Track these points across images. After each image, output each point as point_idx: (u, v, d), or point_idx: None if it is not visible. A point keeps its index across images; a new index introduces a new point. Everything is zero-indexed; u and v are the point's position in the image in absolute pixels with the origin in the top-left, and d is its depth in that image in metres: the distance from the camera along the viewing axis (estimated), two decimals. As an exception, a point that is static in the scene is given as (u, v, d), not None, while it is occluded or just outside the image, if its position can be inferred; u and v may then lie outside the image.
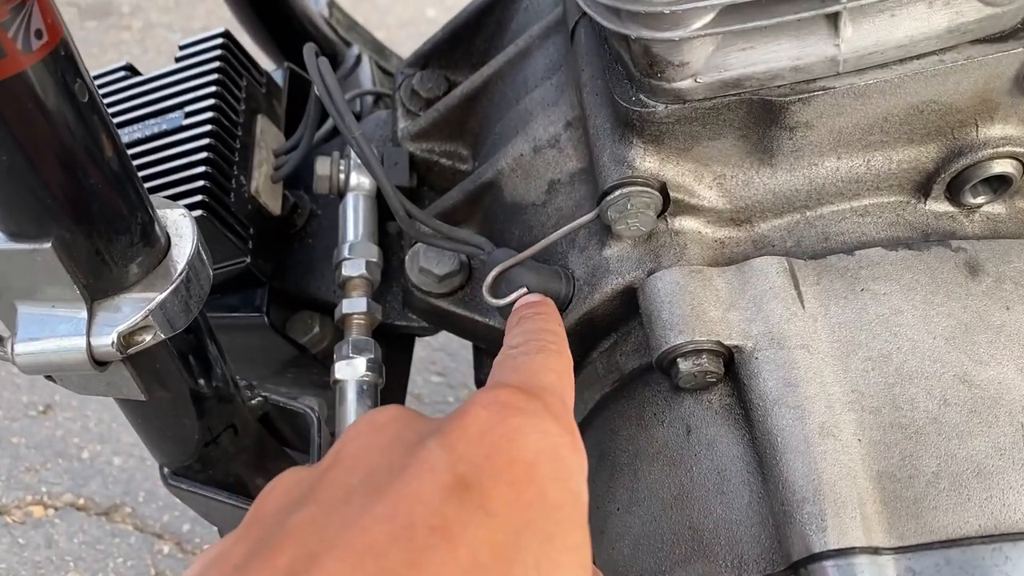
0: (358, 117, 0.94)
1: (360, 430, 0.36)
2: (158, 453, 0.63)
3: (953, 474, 0.51)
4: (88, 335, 0.49)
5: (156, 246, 0.51)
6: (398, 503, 0.31)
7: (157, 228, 0.52)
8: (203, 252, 0.53)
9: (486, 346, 0.80)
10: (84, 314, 0.49)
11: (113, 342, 0.49)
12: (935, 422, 0.52)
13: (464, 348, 1.72)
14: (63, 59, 0.41)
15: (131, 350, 0.50)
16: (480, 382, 0.82)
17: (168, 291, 0.50)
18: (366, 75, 1.02)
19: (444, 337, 1.79)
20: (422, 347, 1.73)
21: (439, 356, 1.72)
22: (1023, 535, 0.49)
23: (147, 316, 0.49)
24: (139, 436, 0.61)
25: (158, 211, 0.53)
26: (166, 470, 0.64)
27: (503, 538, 0.31)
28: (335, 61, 1.03)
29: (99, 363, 0.50)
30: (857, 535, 0.49)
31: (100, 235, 0.47)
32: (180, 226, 0.53)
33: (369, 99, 0.99)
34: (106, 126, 0.46)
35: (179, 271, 0.51)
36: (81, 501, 1.38)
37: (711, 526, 0.56)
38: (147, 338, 0.50)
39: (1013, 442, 0.51)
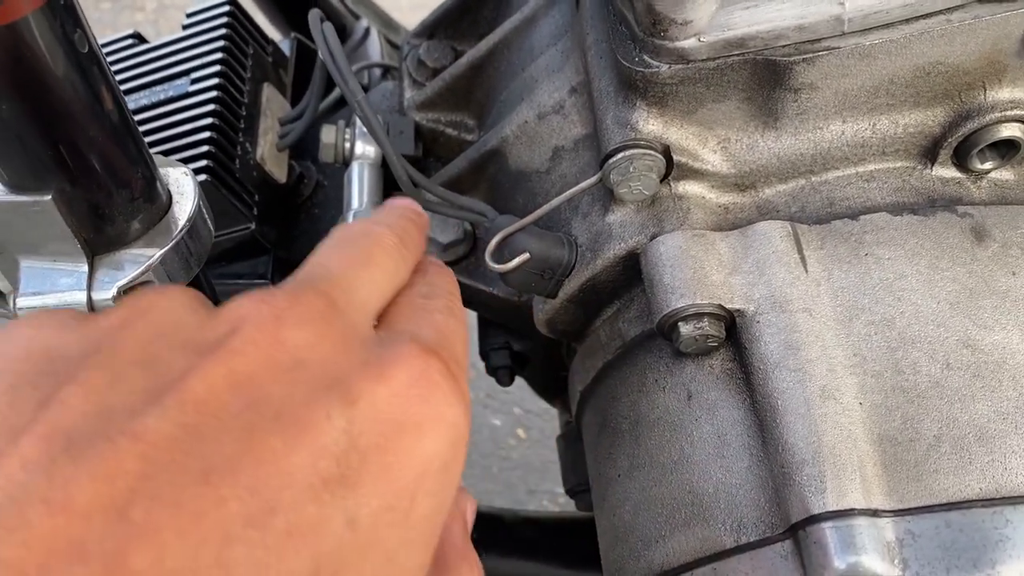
0: (365, 89, 0.94)
1: (264, 319, 0.28)
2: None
3: (955, 438, 0.50)
4: (89, 289, 0.49)
5: (157, 203, 0.51)
6: (271, 478, 0.25)
7: (159, 185, 0.52)
8: (204, 210, 0.54)
9: (491, 316, 0.80)
10: (85, 268, 0.49)
11: (114, 296, 0.49)
12: (937, 386, 0.52)
13: (470, 329, 1.72)
14: (62, 8, 0.41)
15: (131, 305, 0.50)
16: (485, 353, 0.82)
17: (168, 247, 0.50)
18: (374, 48, 1.02)
19: (454, 318, 1.80)
20: (431, 327, 1.73)
21: (448, 337, 1.72)
22: (1024, 499, 0.48)
23: (147, 271, 0.50)
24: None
25: (160, 169, 0.53)
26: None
27: (351, 557, 0.26)
28: (343, 34, 1.03)
29: (100, 318, 0.50)
30: (856, 497, 0.49)
31: (100, 189, 0.47)
32: (182, 184, 0.53)
33: (377, 72, 0.98)
34: (106, 78, 0.46)
35: (180, 227, 0.51)
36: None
37: (711, 490, 0.56)
38: (147, 294, 0.50)
39: (1016, 407, 0.51)
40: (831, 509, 0.48)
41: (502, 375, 0.81)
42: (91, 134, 0.45)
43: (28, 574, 0.21)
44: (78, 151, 0.45)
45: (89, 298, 0.49)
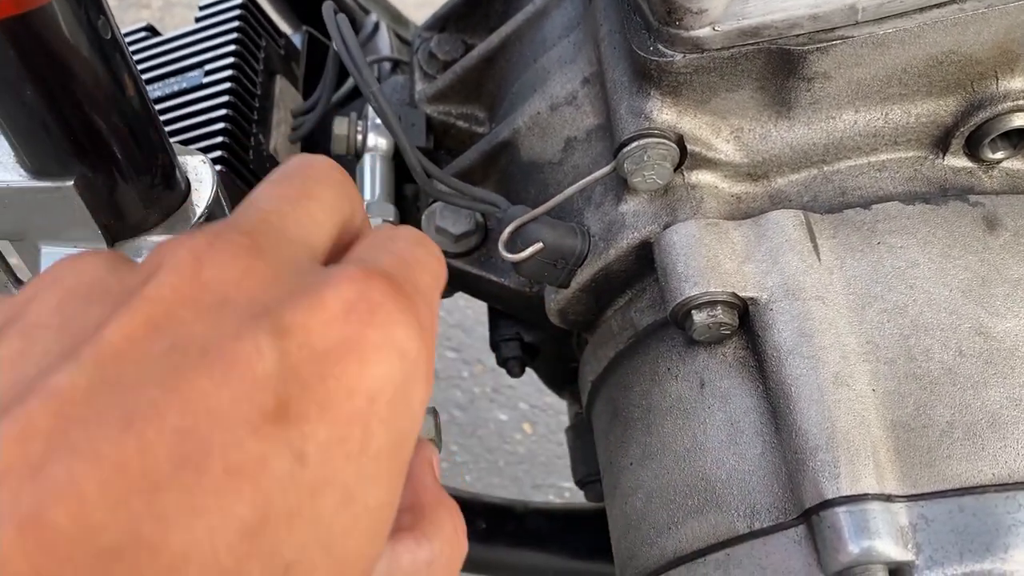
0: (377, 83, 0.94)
1: (182, 260, 0.26)
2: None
3: (967, 424, 0.51)
4: (109, 276, 0.49)
5: (176, 190, 0.52)
6: (201, 417, 0.23)
7: (178, 173, 0.52)
8: (222, 198, 0.54)
9: (502, 307, 0.80)
10: (105, 255, 0.50)
11: (133, 283, 0.50)
12: (950, 373, 0.52)
13: (479, 324, 1.72)
14: (86, -5, 0.42)
15: (151, 292, 0.51)
16: (495, 344, 0.83)
17: (187, 234, 0.51)
18: (384, 42, 1.02)
19: (460, 313, 1.81)
20: (438, 323, 1.73)
21: (454, 332, 1.72)
22: (1037, 484, 0.49)
23: (167, 258, 0.50)
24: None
25: (179, 157, 0.53)
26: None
27: (303, 497, 0.24)
28: (353, 28, 1.03)
29: (119, 304, 0.51)
30: (870, 482, 0.49)
31: (121, 175, 0.48)
32: (200, 172, 0.54)
33: (387, 66, 0.99)
34: (128, 66, 0.46)
35: (198, 215, 0.51)
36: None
37: (724, 477, 0.56)
38: (167, 280, 0.51)
39: (1029, 393, 0.51)
40: (845, 494, 0.49)
41: (512, 366, 0.81)
42: (113, 121, 0.46)
43: None
44: (100, 138, 0.46)
45: (109, 284, 0.49)
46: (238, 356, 0.24)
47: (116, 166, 0.47)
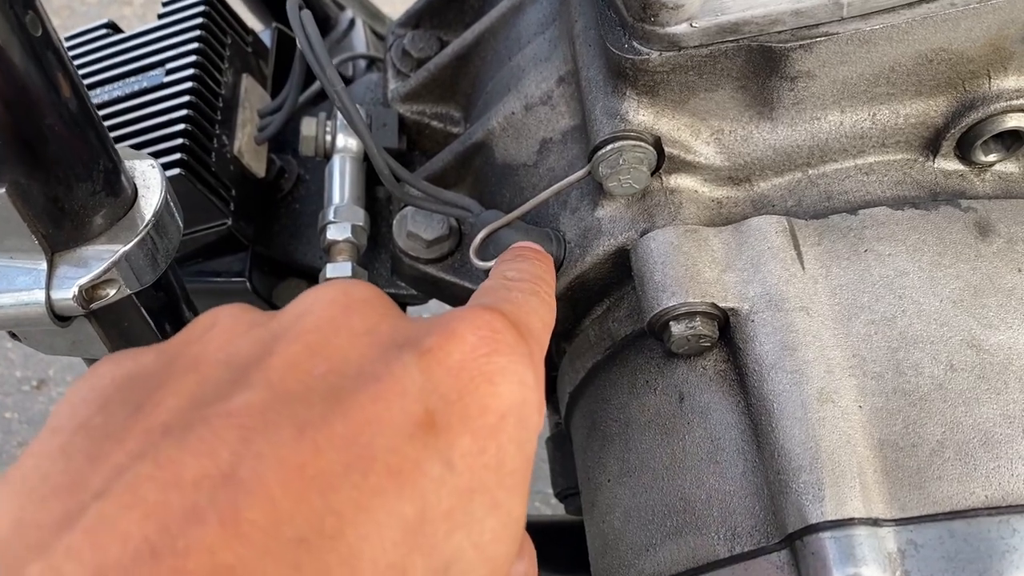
0: (349, 81, 0.91)
1: (331, 299, 0.31)
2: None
3: (959, 443, 0.48)
4: (48, 288, 0.46)
5: (121, 196, 0.49)
6: (363, 426, 0.26)
7: (123, 178, 0.49)
8: (172, 204, 0.51)
9: (477, 314, 0.77)
10: (44, 266, 0.47)
11: (74, 295, 0.47)
12: (941, 388, 0.49)
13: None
14: (11, -12, 0.39)
15: (94, 305, 0.48)
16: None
17: (133, 243, 0.48)
18: (359, 39, 1.00)
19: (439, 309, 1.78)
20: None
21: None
22: (1032, 507, 0.46)
23: (110, 269, 0.47)
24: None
25: (126, 162, 0.50)
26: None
27: (454, 500, 0.27)
28: (328, 25, 1.01)
29: (60, 318, 0.48)
30: (856, 505, 0.46)
31: (58, 182, 0.45)
32: (148, 177, 0.51)
33: (362, 63, 0.96)
34: (63, 65, 0.43)
35: (145, 222, 0.48)
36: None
37: (703, 497, 0.53)
38: (111, 292, 0.48)
39: (1023, 409, 0.49)
40: (830, 518, 0.46)
41: (489, 375, 0.78)
42: (47, 122, 0.43)
43: (151, 539, 0.22)
44: (33, 141, 0.43)
45: (48, 297, 0.46)
46: (389, 374, 0.28)
47: (52, 173, 0.44)
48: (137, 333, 0.53)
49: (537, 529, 0.88)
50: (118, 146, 0.50)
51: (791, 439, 0.48)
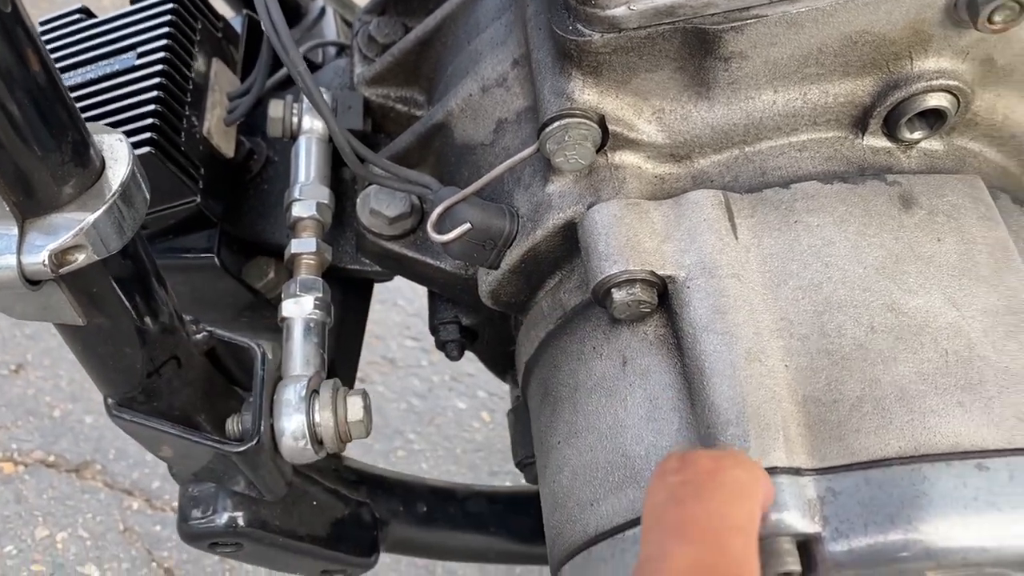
0: (319, 67, 0.94)
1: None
2: (101, 383, 0.63)
3: (876, 398, 0.51)
4: (19, 253, 0.49)
5: (90, 167, 0.51)
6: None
7: (91, 151, 0.52)
8: (139, 176, 0.54)
9: (439, 290, 0.81)
10: (15, 232, 0.49)
11: (44, 260, 0.49)
12: (861, 348, 0.53)
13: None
14: (-18, -34, 0.41)
15: (63, 269, 0.50)
16: (434, 327, 0.83)
17: (100, 211, 0.50)
18: (330, 27, 1.02)
19: (420, 303, 1.80)
20: (397, 312, 1.73)
21: (414, 321, 1.72)
22: (942, 456, 0.50)
23: (79, 235, 0.50)
24: (82, 366, 0.61)
25: (94, 136, 0.53)
26: (110, 401, 0.64)
27: None
28: (299, 13, 1.03)
29: (31, 282, 0.50)
30: (779, 456, 0.50)
31: (28, 152, 0.47)
32: (116, 150, 0.53)
33: (332, 50, 0.99)
34: (32, 40, 0.46)
35: (112, 192, 0.51)
36: (51, 458, 1.39)
37: (642, 453, 0.56)
38: (80, 257, 0.50)
39: (937, 368, 0.52)
40: (754, 467, 0.49)
41: (451, 349, 0.82)
42: (16, 96, 0.45)
43: None
44: (3, 113, 0.45)
45: (19, 261, 0.49)
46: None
47: (22, 143, 0.47)
48: (105, 300, 0.55)
49: (500, 499, 0.91)
50: (89, 123, 0.52)
51: (720, 395, 0.52)
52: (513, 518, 0.89)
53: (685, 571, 0.41)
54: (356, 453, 0.90)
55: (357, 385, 0.81)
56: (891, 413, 0.51)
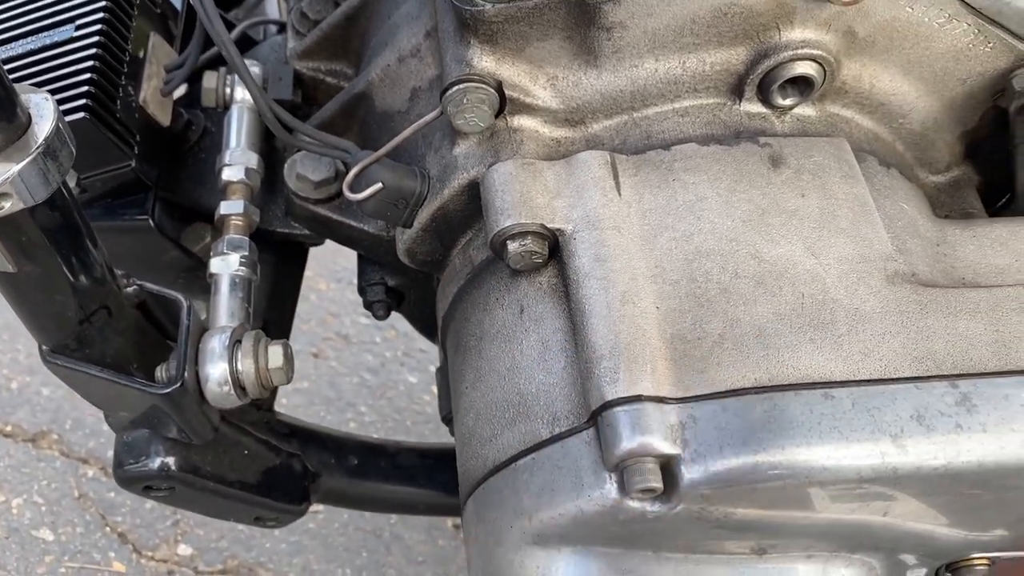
0: (258, 43, 0.98)
1: None
2: (35, 331, 0.67)
3: (736, 336, 0.57)
4: (-53, 201, 0.53)
5: (15, 122, 0.55)
6: None
7: (18, 108, 0.56)
8: (65, 133, 0.58)
9: (365, 252, 0.85)
10: (-56, 182, 0.53)
11: (-28, 207, 0.54)
12: (725, 292, 0.58)
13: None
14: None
15: (-9, 216, 0.55)
16: (362, 288, 0.87)
17: (25, 162, 0.55)
18: (272, 6, 1.07)
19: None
20: (351, 291, 1.78)
21: (369, 299, 1.77)
22: (792, 387, 0.55)
23: (4, 183, 0.54)
24: (16, 314, 0.65)
25: (21, 96, 0.57)
26: (44, 348, 0.68)
27: None
28: (242, -8, 1.07)
29: (-39, 229, 0.55)
30: (646, 385, 0.55)
31: (-45, 106, 0.52)
32: (42, 108, 0.57)
33: (273, 28, 1.03)
34: (-43, 3, 0.50)
35: (37, 145, 0.55)
36: (8, 428, 1.42)
37: (534, 391, 0.62)
38: (6, 205, 0.55)
39: (793, 309, 0.57)
40: (622, 395, 0.54)
41: (377, 309, 0.86)
42: (-57, 53, 0.50)
43: None
44: (-71, 69, 0.49)
45: (-52, 209, 0.53)
46: None
47: (-52, 97, 0.51)
48: (35, 248, 0.60)
49: (430, 454, 0.96)
50: (17, 84, 0.56)
51: (596, 333, 0.57)
52: (442, 472, 0.94)
53: None
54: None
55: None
56: (749, 349, 0.56)
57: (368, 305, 0.87)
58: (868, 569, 0.62)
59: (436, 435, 1.56)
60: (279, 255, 0.88)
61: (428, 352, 1.69)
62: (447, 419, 0.90)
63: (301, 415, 0.90)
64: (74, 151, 0.59)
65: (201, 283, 0.87)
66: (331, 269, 1.77)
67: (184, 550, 1.32)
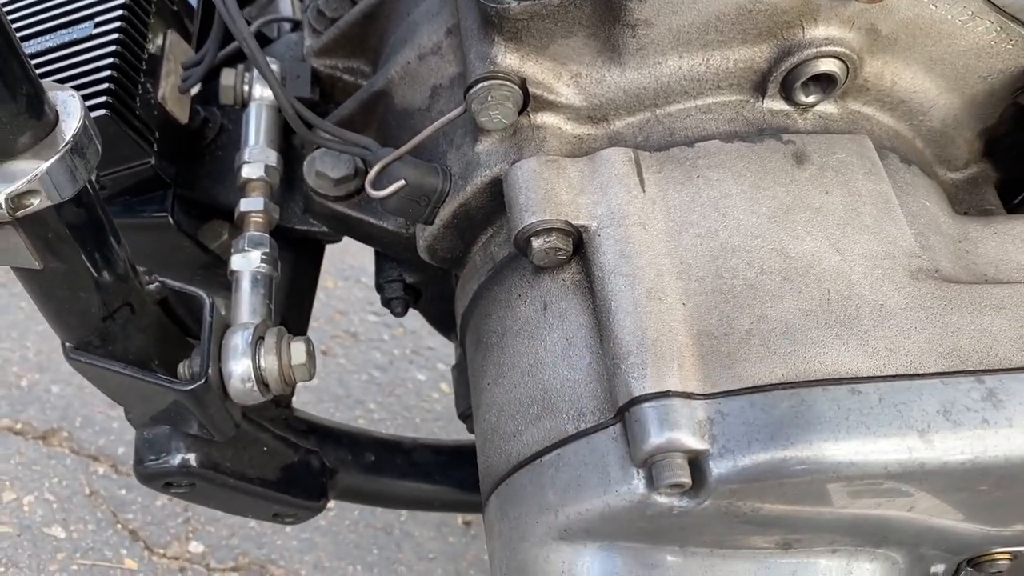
0: (273, 41, 0.99)
1: None
2: (58, 328, 0.67)
3: (763, 332, 0.57)
4: (-22, 197, 0.53)
5: (43, 119, 0.56)
6: None
7: (46, 105, 0.56)
8: (91, 130, 0.58)
9: (383, 249, 0.85)
10: (-26, 178, 0.54)
11: (1, 203, 0.54)
12: (751, 288, 0.58)
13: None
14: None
15: (19, 213, 0.55)
16: (379, 285, 0.88)
17: (53, 159, 0.55)
18: (285, 4, 1.07)
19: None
20: (360, 288, 1.78)
21: (376, 297, 1.77)
22: (819, 382, 0.55)
23: (33, 180, 0.54)
24: (40, 311, 0.65)
25: (49, 92, 0.57)
26: (67, 345, 0.69)
27: None
28: (256, -10, 1.07)
29: (-10, 225, 0.55)
30: (674, 381, 0.55)
31: (-15, 104, 0.52)
32: (69, 105, 0.58)
33: (287, 26, 1.03)
34: (-11, 0, 0.50)
35: (65, 142, 0.56)
36: (19, 426, 1.42)
37: (558, 387, 0.62)
38: (35, 202, 0.55)
39: (819, 305, 0.58)
40: (650, 391, 0.55)
41: (395, 306, 0.87)
42: (-26, 50, 0.50)
43: None
44: (-39, 66, 0.49)
45: (-22, 205, 0.53)
46: None
47: (-21, 94, 0.51)
48: (61, 245, 0.60)
49: (446, 451, 0.96)
50: (44, 81, 0.57)
51: (623, 330, 0.57)
52: (457, 468, 0.94)
53: None
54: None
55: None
56: (776, 345, 0.57)
57: (386, 302, 0.87)
58: (892, 564, 0.62)
59: (445, 432, 1.57)
60: (297, 252, 0.88)
61: (436, 349, 1.69)
62: (464, 416, 0.90)
63: (310, 412, 0.90)
64: (100, 148, 0.59)
65: (218, 280, 0.87)
66: (339, 267, 1.77)
67: (196, 547, 1.33)
